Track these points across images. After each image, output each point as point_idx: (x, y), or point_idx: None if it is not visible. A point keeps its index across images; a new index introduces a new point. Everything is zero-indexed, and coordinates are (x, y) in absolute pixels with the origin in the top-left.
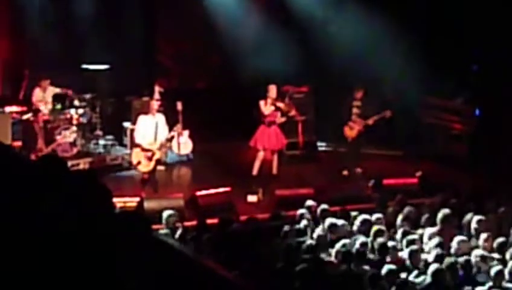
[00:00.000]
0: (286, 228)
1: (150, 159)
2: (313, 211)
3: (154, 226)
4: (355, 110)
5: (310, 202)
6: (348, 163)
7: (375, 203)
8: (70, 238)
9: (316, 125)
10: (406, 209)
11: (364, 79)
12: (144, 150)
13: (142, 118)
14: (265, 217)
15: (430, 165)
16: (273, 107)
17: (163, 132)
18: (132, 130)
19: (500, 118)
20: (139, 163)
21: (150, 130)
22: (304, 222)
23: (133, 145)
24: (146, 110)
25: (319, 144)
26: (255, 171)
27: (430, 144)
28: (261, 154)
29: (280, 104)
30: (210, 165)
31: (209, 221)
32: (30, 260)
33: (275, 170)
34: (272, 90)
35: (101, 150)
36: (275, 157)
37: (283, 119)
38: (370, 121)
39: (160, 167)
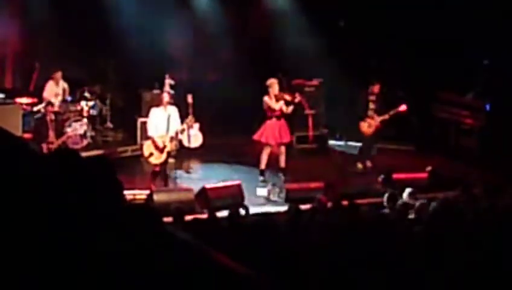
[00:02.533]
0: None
1: (161, 151)
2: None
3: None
4: (371, 106)
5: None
6: (362, 158)
7: (386, 198)
8: (81, 232)
9: (326, 119)
10: (418, 203)
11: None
12: (156, 142)
13: (154, 111)
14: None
15: (441, 160)
16: (282, 102)
17: (176, 125)
18: (143, 123)
19: (510, 112)
20: (150, 155)
21: (162, 122)
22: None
23: (145, 137)
24: (157, 103)
25: (332, 142)
26: (262, 165)
27: (440, 138)
28: (267, 148)
29: (286, 96)
30: (220, 158)
31: (218, 214)
32: (41, 255)
33: (282, 164)
34: (274, 85)
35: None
36: (283, 151)
37: (291, 108)
38: (387, 116)
39: (171, 160)
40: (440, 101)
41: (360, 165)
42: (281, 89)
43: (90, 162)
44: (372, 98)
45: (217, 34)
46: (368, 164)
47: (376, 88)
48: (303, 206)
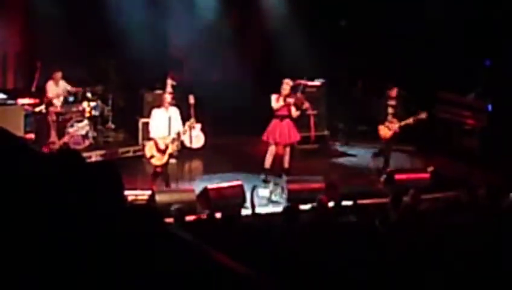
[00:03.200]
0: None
1: (163, 152)
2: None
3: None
4: (390, 110)
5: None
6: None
7: (388, 198)
8: (83, 232)
9: (328, 120)
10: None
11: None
12: (157, 143)
13: (155, 112)
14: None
15: (442, 160)
16: (282, 103)
17: (177, 126)
18: (145, 124)
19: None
20: (152, 157)
21: (164, 123)
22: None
23: (146, 138)
24: (159, 104)
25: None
26: (267, 165)
27: (442, 139)
28: (272, 148)
29: (291, 100)
30: (222, 158)
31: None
32: (41, 254)
33: (286, 164)
34: (286, 85)
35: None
36: (287, 151)
37: (298, 113)
38: (410, 121)
39: (172, 160)
40: (442, 102)
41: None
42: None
43: (92, 164)
44: (391, 102)
45: (218, 35)
46: (371, 164)
47: (393, 92)
48: (303, 207)
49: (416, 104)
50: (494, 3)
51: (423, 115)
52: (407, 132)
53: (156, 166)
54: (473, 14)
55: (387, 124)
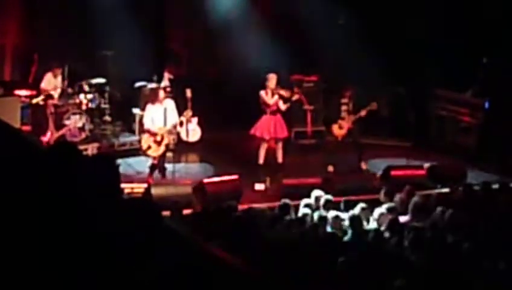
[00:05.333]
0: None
1: (159, 143)
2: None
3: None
4: (344, 108)
5: (316, 192)
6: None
7: (383, 194)
8: (79, 224)
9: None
10: (414, 199)
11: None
12: (153, 134)
13: (149, 107)
14: (271, 205)
15: (439, 157)
16: (276, 97)
17: (173, 117)
18: (141, 116)
19: (509, 110)
20: (149, 148)
21: (159, 116)
22: (304, 211)
23: (142, 131)
24: (153, 99)
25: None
26: (260, 160)
27: (439, 136)
28: (265, 143)
29: (281, 92)
30: (218, 152)
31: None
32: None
33: (280, 159)
34: (272, 79)
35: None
36: (279, 146)
37: (287, 106)
38: (362, 113)
39: (169, 154)
40: (438, 99)
41: (364, 166)
42: (278, 84)
43: (89, 157)
44: (345, 101)
45: (216, 29)
46: (363, 166)
47: (348, 93)
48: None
49: (368, 98)
50: (492, 1)
51: (374, 106)
52: (404, 128)
53: (153, 157)
54: (470, 11)
55: (340, 122)
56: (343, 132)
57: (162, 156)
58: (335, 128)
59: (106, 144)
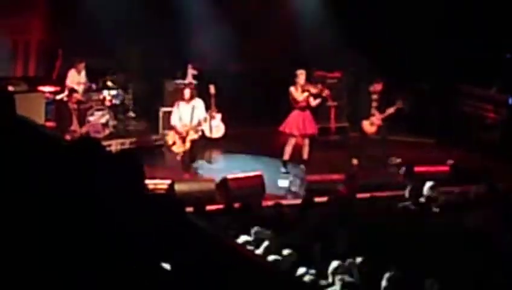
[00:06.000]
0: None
1: (184, 139)
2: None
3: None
4: (374, 104)
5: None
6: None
7: (408, 191)
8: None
9: (348, 111)
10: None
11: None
12: (178, 131)
13: (179, 103)
14: (295, 202)
15: (462, 154)
16: (306, 93)
17: (200, 116)
18: (165, 113)
19: None
20: (174, 144)
21: (187, 113)
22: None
23: (167, 127)
24: (180, 95)
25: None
26: (286, 156)
27: (462, 132)
28: (292, 140)
29: (311, 89)
30: (242, 149)
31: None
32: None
33: (305, 155)
34: (301, 76)
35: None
36: (306, 143)
37: (318, 102)
38: (391, 110)
39: (193, 150)
40: (462, 95)
41: (355, 161)
42: (308, 81)
43: (113, 153)
44: (375, 97)
45: (239, 24)
46: (394, 159)
47: (378, 87)
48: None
49: (395, 94)
50: None
51: (400, 104)
52: (428, 124)
53: (178, 153)
54: (495, 7)
55: (372, 118)
56: (374, 129)
57: (186, 152)
58: (366, 125)
59: (137, 140)
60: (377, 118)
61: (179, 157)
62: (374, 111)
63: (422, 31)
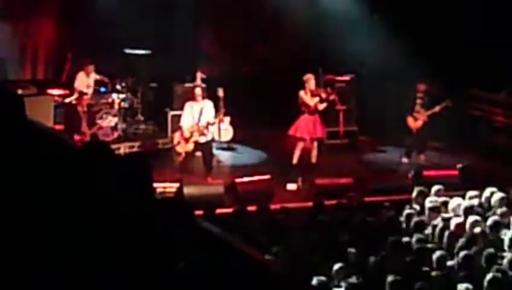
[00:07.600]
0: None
1: (187, 140)
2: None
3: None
4: (418, 101)
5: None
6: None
7: (415, 194)
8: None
9: (357, 115)
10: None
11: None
12: (184, 131)
13: (188, 104)
14: (304, 205)
15: (472, 158)
16: (317, 98)
17: (208, 117)
18: (174, 116)
19: None
20: (178, 143)
21: (195, 114)
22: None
23: (176, 130)
24: (191, 97)
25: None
26: (295, 160)
27: (472, 136)
28: (301, 143)
29: (322, 94)
30: (250, 152)
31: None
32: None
33: (314, 159)
34: (310, 80)
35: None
36: (315, 146)
37: (324, 106)
38: (437, 109)
39: (198, 153)
40: (472, 99)
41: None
42: (317, 85)
43: (122, 156)
44: (420, 95)
45: (248, 28)
46: (421, 157)
47: (423, 87)
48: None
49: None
50: None
51: (449, 103)
52: (437, 128)
53: (181, 153)
54: (506, 11)
55: (415, 114)
56: (419, 124)
57: (190, 153)
58: (410, 120)
59: (146, 143)
60: (421, 114)
61: (180, 158)
62: (418, 108)
63: (433, 35)
